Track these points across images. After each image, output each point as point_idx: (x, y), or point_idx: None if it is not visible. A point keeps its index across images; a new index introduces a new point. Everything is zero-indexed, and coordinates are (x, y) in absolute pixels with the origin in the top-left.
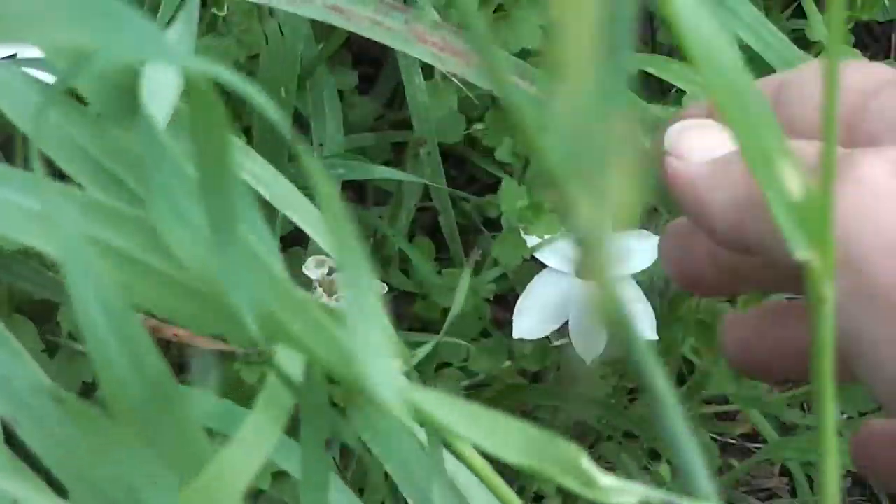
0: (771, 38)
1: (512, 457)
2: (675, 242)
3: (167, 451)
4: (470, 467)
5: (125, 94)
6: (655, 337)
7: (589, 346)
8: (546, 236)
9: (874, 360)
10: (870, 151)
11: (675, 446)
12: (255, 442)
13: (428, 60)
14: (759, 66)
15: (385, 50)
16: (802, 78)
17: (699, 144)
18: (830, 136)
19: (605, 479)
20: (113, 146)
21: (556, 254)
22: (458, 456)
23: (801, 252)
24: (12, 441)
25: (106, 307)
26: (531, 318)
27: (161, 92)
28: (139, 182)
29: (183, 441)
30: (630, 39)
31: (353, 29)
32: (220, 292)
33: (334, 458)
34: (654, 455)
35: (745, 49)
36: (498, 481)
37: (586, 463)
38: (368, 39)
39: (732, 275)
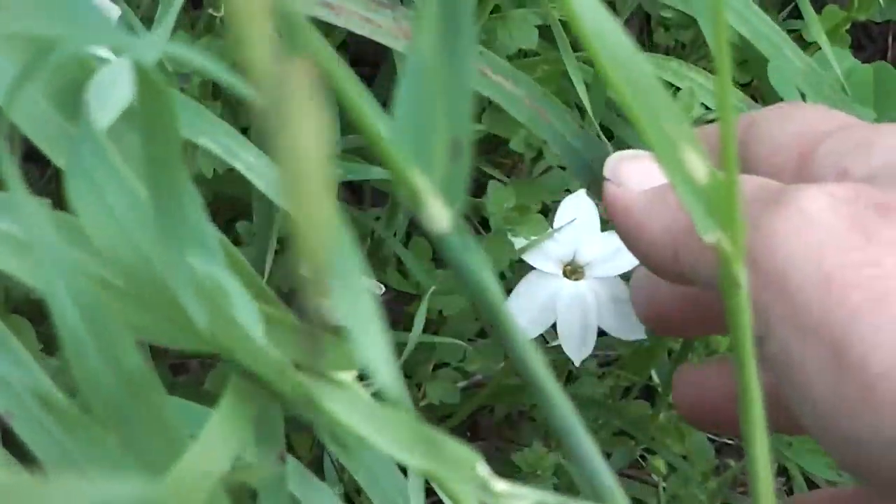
0: (763, 27)
1: (407, 458)
2: (643, 284)
3: (145, 450)
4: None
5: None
6: (644, 336)
7: (577, 346)
8: (533, 238)
9: (801, 392)
10: (812, 185)
11: (567, 439)
12: (226, 433)
13: None
14: (752, 55)
15: (382, 51)
16: (767, 118)
17: (636, 173)
18: (727, 114)
19: (500, 485)
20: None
21: (543, 255)
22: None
23: (710, 235)
24: (11, 442)
25: (79, 303)
26: (521, 320)
27: (112, 91)
28: None
29: (162, 440)
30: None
31: (342, 24)
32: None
33: (333, 462)
34: (649, 454)
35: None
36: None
37: (481, 468)
38: (365, 41)
39: (700, 313)
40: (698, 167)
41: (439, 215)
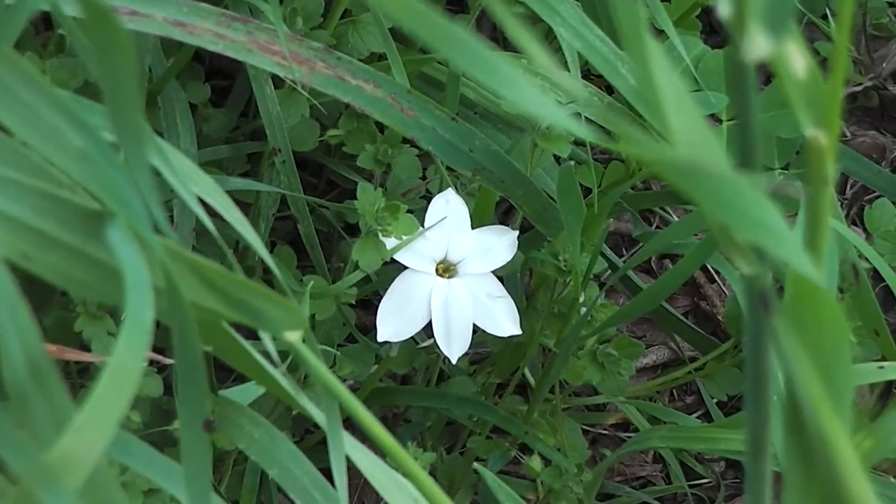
0: (596, 41)
1: None
2: None
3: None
4: (377, 442)
5: None
6: (519, 331)
7: (453, 343)
8: (404, 237)
9: None
10: None
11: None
12: (107, 406)
13: (273, 70)
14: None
15: (237, 61)
16: None
17: None
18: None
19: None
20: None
21: (415, 254)
22: (363, 431)
23: (808, 130)
24: None
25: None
26: (394, 321)
27: None
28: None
29: (54, 421)
30: None
31: (196, 43)
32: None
33: None
34: (525, 449)
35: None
36: (405, 456)
37: None
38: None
39: None
40: (799, 62)
41: (759, 43)
